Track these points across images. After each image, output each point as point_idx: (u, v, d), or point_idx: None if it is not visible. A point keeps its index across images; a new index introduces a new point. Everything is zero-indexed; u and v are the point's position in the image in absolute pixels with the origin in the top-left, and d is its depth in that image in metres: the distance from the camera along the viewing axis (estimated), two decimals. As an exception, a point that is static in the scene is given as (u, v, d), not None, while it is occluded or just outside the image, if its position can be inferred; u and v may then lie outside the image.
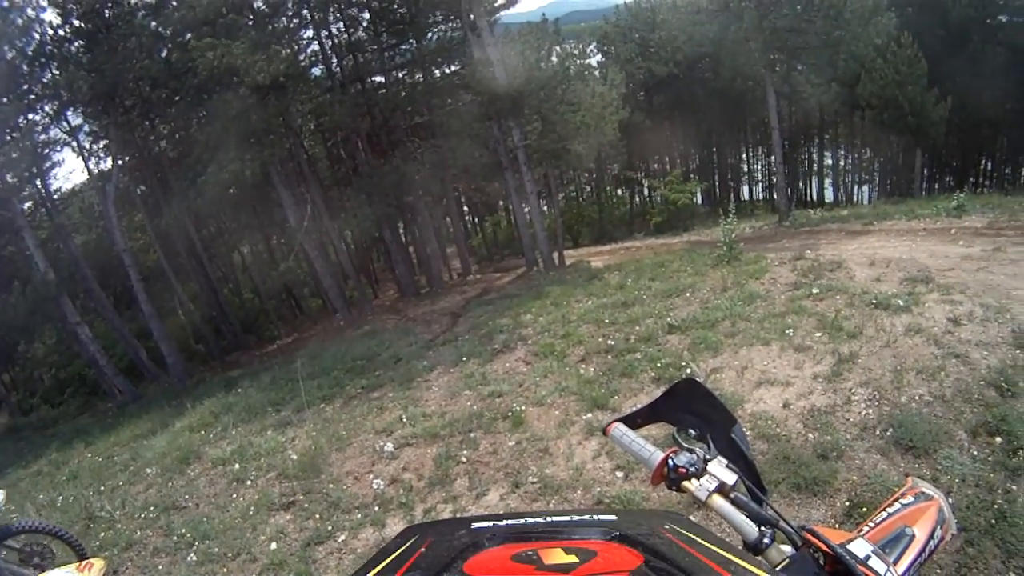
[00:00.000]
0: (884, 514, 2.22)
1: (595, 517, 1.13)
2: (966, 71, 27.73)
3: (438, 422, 6.05)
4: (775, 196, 25.93)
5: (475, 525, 1.11)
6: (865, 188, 36.58)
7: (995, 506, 3.65)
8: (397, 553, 1.01)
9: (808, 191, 37.82)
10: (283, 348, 19.09)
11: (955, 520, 2.38)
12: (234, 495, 5.63)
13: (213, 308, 23.76)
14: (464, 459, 5.33)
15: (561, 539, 1.02)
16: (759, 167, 38.29)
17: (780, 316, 6.30)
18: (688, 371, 5.64)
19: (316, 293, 27.57)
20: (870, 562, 1.37)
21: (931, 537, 2.25)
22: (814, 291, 6.80)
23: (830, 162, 37.91)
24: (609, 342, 6.93)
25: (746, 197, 37.31)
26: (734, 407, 4.83)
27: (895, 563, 2.04)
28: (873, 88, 25.81)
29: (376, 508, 4.89)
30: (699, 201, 31.69)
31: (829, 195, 37.31)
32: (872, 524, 2.18)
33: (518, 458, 5.17)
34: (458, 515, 3.98)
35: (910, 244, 9.82)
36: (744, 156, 38.48)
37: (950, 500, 3.67)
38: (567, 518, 1.14)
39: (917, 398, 4.60)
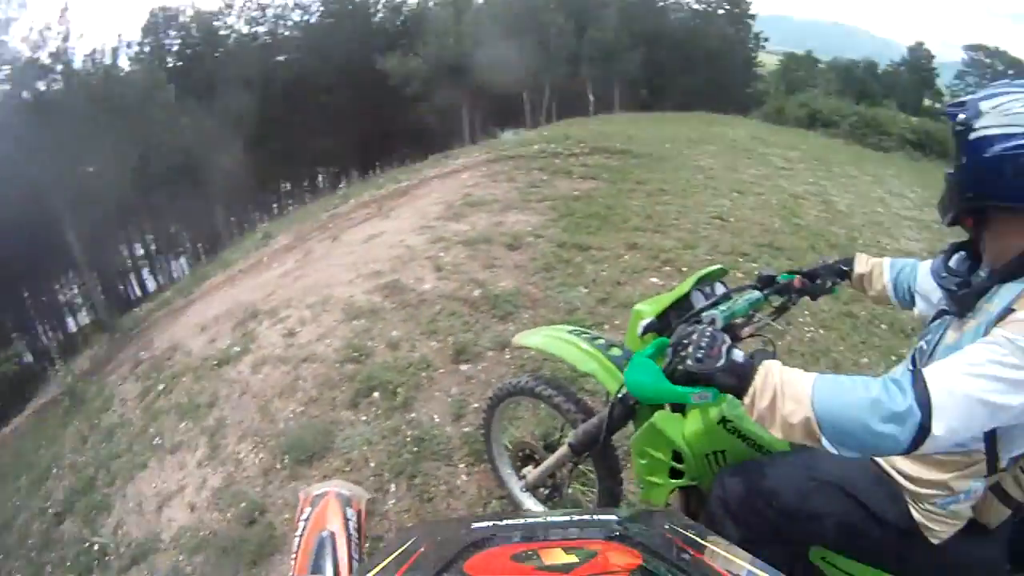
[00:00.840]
0: (296, 538, 2.09)
1: (595, 517, 1.15)
2: (252, 116, 30.71)
3: None
4: (99, 316, 24.65)
5: (475, 525, 1.10)
6: (183, 260, 37.17)
7: (409, 439, 4.11)
8: (397, 553, 0.99)
9: (131, 290, 36.81)
10: None
11: (361, 489, 2.38)
12: None
13: None
14: None
15: (561, 539, 1.02)
16: (75, 292, 35.76)
17: (142, 432, 5.89)
18: (94, 545, 4.85)
19: None
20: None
21: (348, 520, 2.19)
22: (160, 387, 6.52)
23: (142, 252, 37.44)
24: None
25: (74, 328, 34.31)
26: (151, 546, 4.36)
27: (336, 568, 1.95)
28: (163, 164, 26.09)
29: None
30: (28, 359, 28.22)
31: (152, 283, 36.90)
32: (295, 553, 2.03)
33: None
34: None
35: (230, 291, 10.08)
36: (60, 286, 35.51)
37: (371, 464, 3.99)
38: (567, 518, 1.17)
39: (292, 414, 4.75)
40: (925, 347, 1.92)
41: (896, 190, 13.60)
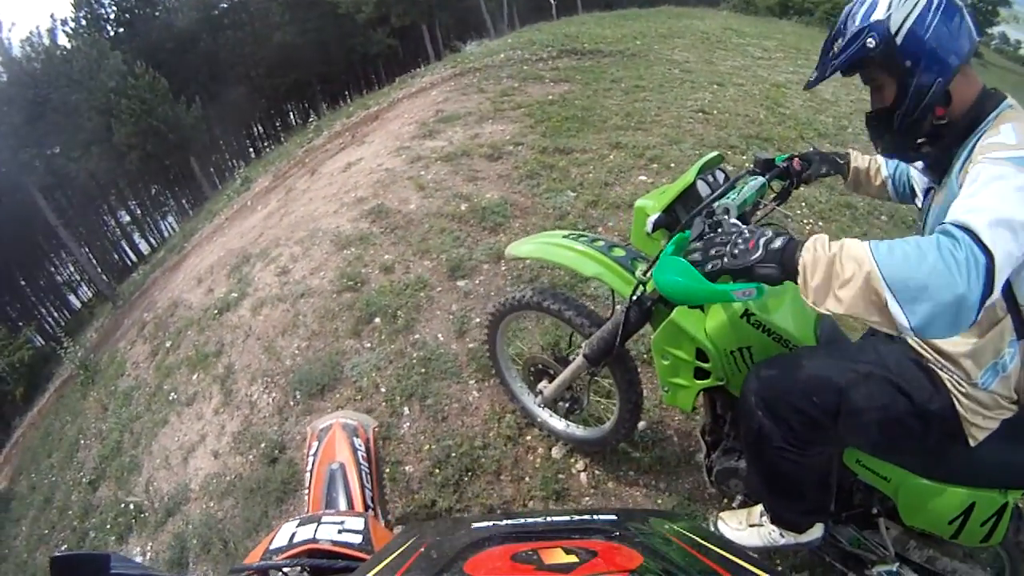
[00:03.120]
0: (307, 474, 2.08)
1: (595, 517, 1.12)
2: (207, 65, 29.86)
3: None
4: (99, 288, 24.64)
5: (475, 525, 1.09)
6: (170, 218, 36.95)
7: (415, 361, 4.11)
8: (397, 553, 0.98)
9: (125, 256, 36.71)
10: None
11: (367, 417, 2.37)
12: None
13: None
14: None
15: (561, 539, 1.00)
16: (70, 271, 35.67)
17: (157, 391, 5.89)
18: (129, 505, 4.92)
19: None
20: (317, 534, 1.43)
21: (356, 450, 2.18)
22: (168, 344, 6.51)
23: (128, 218, 37.16)
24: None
25: (79, 305, 34.26)
26: (182, 497, 4.42)
27: (350, 498, 2.08)
28: (127, 128, 25.75)
29: None
30: (38, 342, 28.03)
31: (145, 245, 36.71)
32: (307, 488, 2.03)
33: None
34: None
35: (220, 239, 10.02)
36: (55, 268, 35.39)
37: (381, 390, 3.99)
38: (567, 518, 1.13)
39: (297, 350, 4.73)
40: (921, 224, 2.00)
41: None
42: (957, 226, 1.38)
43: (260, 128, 41.37)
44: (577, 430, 3.20)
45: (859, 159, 2.43)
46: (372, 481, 2.13)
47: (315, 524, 1.49)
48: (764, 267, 1.51)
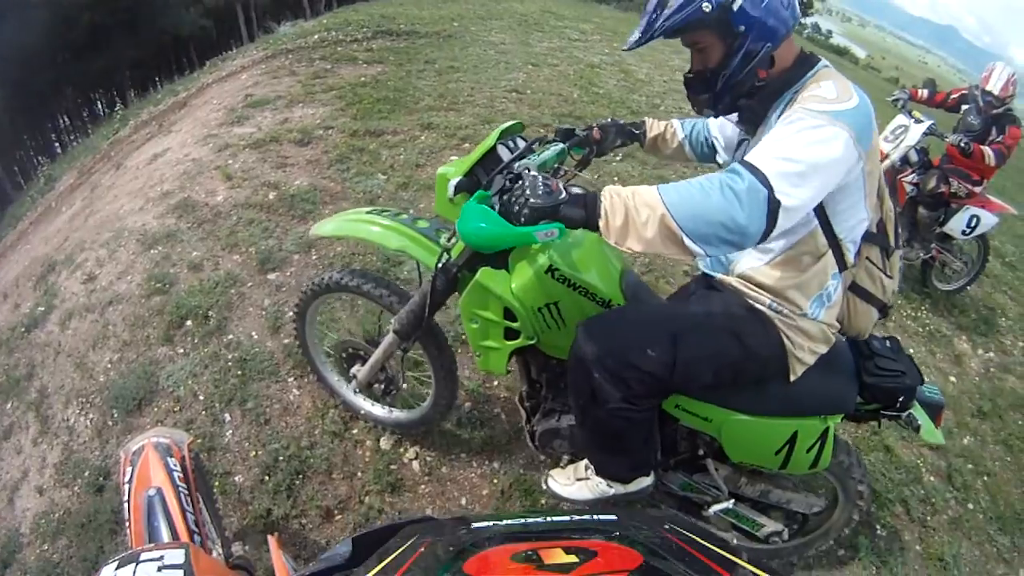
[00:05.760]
0: (124, 505, 2.00)
1: (595, 517, 1.12)
2: (9, 49, 26.93)
3: None
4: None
5: (475, 525, 1.08)
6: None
7: (231, 363, 3.91)
8: (397, 553, 0.96)
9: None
10: None
11: (180, 432, 2.19)
12: None
13: None
14: None
15: (561, 539, 0.99)
16: None
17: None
18: None
19: None
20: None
21: (172, 471, 2.00)
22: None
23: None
24: None
25: None
26: (15, 544, 3.83)
27: (172, 527, 1.87)
28: None
29: None
30: None
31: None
32: (127, 521, 1.94)
33: None
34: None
35: (24, 247, 8.81)
36: None
37: (200, 398, 3.75)
38: (567, 518, 1.12)
39: (109, 364, 4.35)
40: None
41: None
42: (743, 164, 1.50)
43: (67, 120, 37.72)
44: (400, 413, 3.17)
45: (655, 126, 2.48)
46: (192, 503, 1.98)
47: (134, 564, 1.35)
48: (570, 208, 1.55)
